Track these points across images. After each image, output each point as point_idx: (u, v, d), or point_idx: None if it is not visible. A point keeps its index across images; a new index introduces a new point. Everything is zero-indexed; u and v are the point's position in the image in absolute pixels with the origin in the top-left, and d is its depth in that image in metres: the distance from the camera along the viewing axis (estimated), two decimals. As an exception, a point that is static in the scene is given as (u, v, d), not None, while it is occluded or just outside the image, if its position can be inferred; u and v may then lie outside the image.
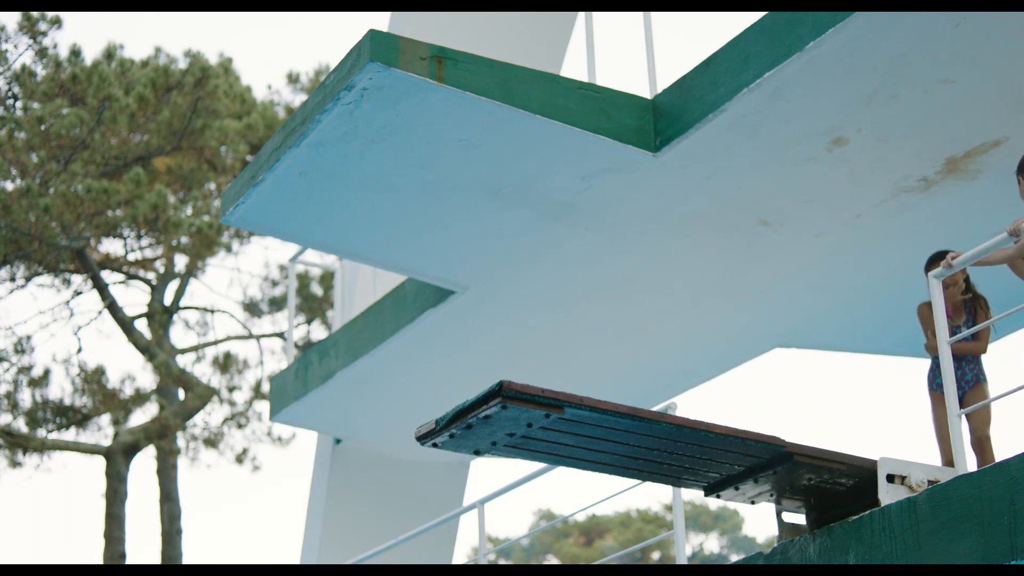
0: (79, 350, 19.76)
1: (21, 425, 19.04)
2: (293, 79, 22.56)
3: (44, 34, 17.37)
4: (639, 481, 6.05)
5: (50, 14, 17.32)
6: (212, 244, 19.31)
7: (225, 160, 19.64)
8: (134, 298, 74.89)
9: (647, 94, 7.58)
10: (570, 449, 5.37)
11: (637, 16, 8.29)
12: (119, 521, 18.77)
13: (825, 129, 7.21)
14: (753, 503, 5.97)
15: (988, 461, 6.49)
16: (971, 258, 5.61)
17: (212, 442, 20.22)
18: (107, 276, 20.21)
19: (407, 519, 12.02)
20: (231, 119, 19.17)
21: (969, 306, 6.86)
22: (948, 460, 6.50)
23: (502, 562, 34.11)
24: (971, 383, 6.76)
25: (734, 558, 34.26)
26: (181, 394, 19.94)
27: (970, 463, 6.32)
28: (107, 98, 17.11)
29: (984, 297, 6.94)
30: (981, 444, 6.58)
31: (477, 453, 5.31)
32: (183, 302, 21.48)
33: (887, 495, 5.48)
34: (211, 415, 20.37)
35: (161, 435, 19.04)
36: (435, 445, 5.20)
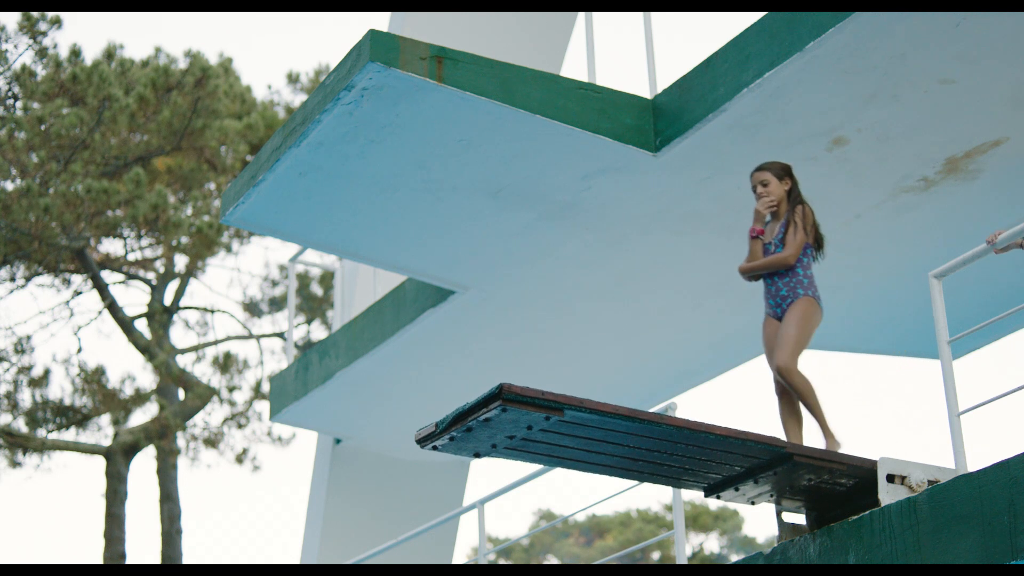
0: (79, 350, 19.75)
1: (21, 425, 19.03)
2: (293, 79, 22.55)
3: (44, 34, 17.36)
4: (639, 482, 6.05)
5: (50, 14, 17.32)
6: (212, 244, 19.30)
7: (225, 160, 19.64)
8: (134, 298, 74.90)
9: (647, 94, 7.58)
10: (570, 451, 5.37)
11: (637, 16, 8.29)
12: (119, 521, 18.76)
13: (825, 129, 7.20)
14: (753, 503, 5.96)
15: (798, 392, 5.90)
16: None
17: (212, 442, 20.21)
18: (107, 276, 20.20)
19: (407, 519, 12.02)
20: (231, 119, 19.16)
21: (785, 219, 6.24)
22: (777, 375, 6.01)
23: (502, 562, 34.10)
24: (788, 299, 6.12)
25: (734, 558, 34.26)
26: (181, 394, 19.94)
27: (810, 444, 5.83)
28: (107, 98, 17.10)
29: (805, 205, 6.28)
30: (782, 374, 5.93)
31: (477, 455, 5.30)
32: (183, 302, 21.48)
33: (887, 495, 5.48)
34: (211, 415, 20.37)
35: (161, 435, 19.03)
36: (435, 448, 5.19)
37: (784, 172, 6.35)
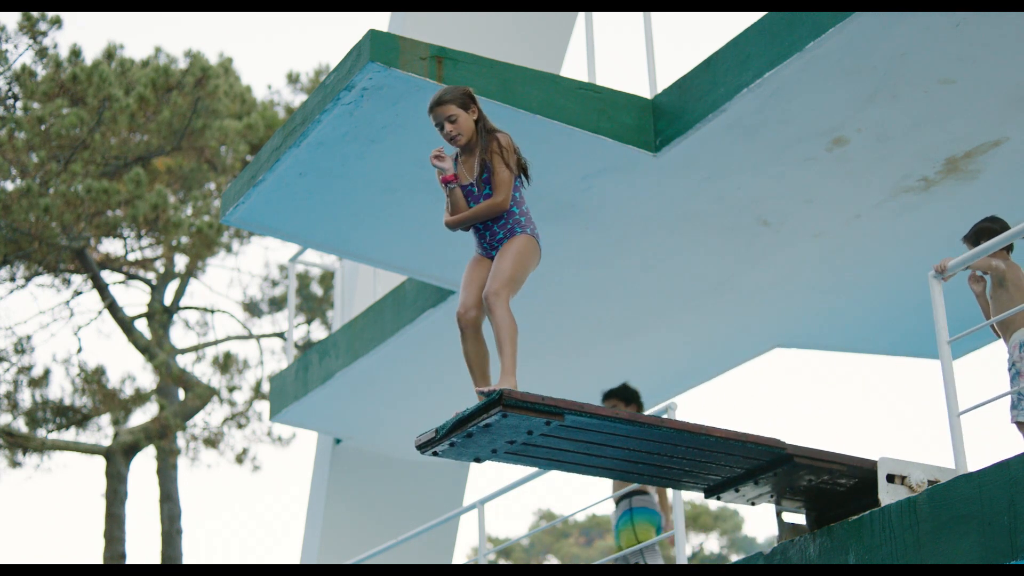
0: (79, 350, 19.75)
1: (21, 425, 19.03)
2: (293, 79, 22.55)
3: (44, 34, 17.35)
4: (639, 484, 6.05)
5: (50, 14, 17.31)
6: (212, 244, 19.30)
7: (225, 160, 19.64)
8: (134, 298, 74.90)
9: (647, 94, 7.58)
10: (571, 455, 5.36)
11: (637, 16, 8.29)
12: (119, 521, 18.76)
13: (825, 129, 7.20)
14: (753, 504, 5.97)
15: (497, 324, 5.16)
16: (964, 262, 5.56)
17: (212, 442, 20.21)
18: (107, 276, 20.20)
19: (407, 519, 12.02)
20: (231, 119, 19.16)
21: (484, 154, 5.38)
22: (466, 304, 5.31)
23: (502, 562, 34.09)
24: (503, 240, 5.37)
25: (734, 558, 34.25)
26: (181, 394, 19.93)
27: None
28: (107, 98, 17.10)
29: (502, 133, 5.41)
30: (489, 301, 5.16)
31: (477, 460, 5.29)
32: (183, 302, 21.48)
33: (887, 495, 5.48)
34: (211, 415, 20.37)
35: (161, 435, 19.03)
36: (435, 454, 5.17)
37: (468, 99, 5.44)
